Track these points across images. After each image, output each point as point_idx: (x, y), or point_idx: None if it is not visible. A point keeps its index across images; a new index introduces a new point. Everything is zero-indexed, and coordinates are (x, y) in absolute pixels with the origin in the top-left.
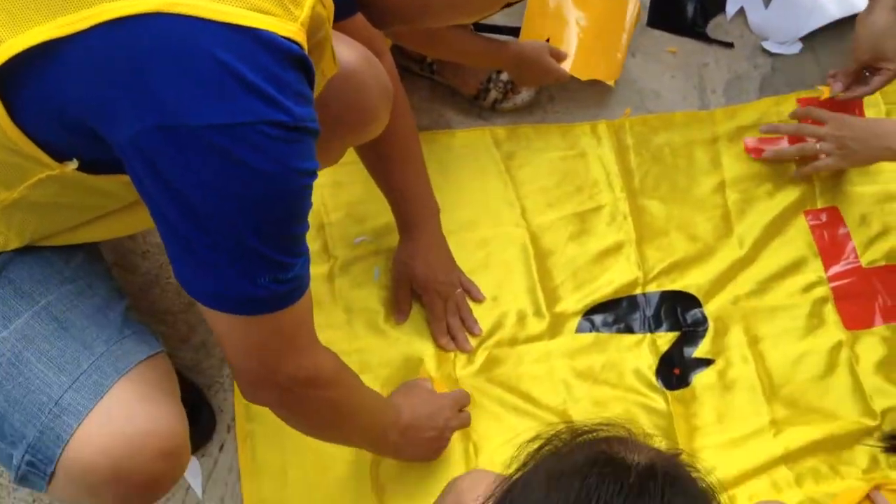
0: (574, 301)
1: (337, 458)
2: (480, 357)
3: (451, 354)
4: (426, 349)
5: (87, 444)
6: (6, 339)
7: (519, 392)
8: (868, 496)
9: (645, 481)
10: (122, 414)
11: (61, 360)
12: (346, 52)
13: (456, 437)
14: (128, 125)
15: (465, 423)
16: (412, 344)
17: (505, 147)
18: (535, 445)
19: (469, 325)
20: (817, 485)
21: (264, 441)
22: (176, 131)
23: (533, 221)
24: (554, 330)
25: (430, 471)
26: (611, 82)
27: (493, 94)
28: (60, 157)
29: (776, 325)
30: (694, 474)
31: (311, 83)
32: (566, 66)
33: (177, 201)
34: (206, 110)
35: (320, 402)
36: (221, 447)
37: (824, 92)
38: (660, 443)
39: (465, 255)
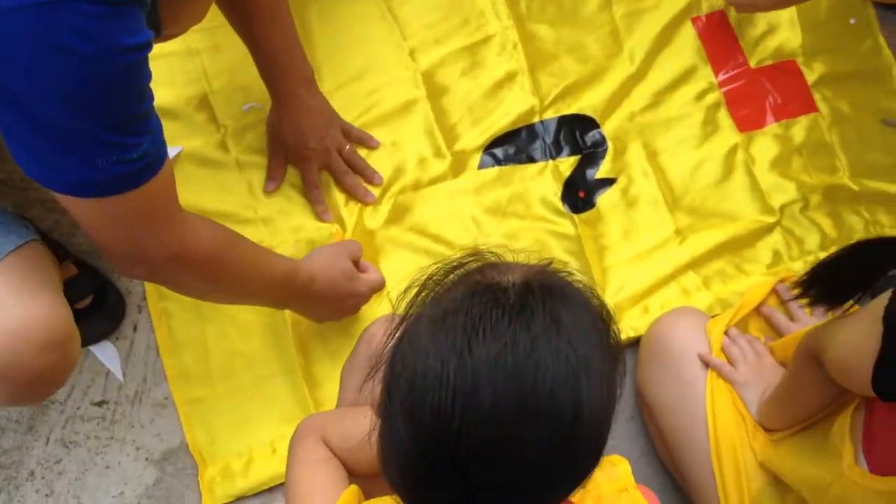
0: (473, 137)
1: (257, 323)
2: (386, 206)
3: (358, 209)
4: (333, 209)
5: None
6: None
7: (430, 235)
8: (773, 289)
9: (524, 298)
10: None
11: None
12: None
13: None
14: None
15: (381, 286)
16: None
17: None
18: (411, 295)
19: (368, 176)
20: (725, 285)
21: (180, 316)
22: None
23: (422, 61)
24: (457, 168)
25: (352, 322)
26: None
27: None
28: None
29: (672, 137)
30: (569, 278)
31: None
32: None
33: (8, 99)
34: None
35: (197, 276)
36: (135, 328)
37: None
38: (574, 266)
39: (357, 106)
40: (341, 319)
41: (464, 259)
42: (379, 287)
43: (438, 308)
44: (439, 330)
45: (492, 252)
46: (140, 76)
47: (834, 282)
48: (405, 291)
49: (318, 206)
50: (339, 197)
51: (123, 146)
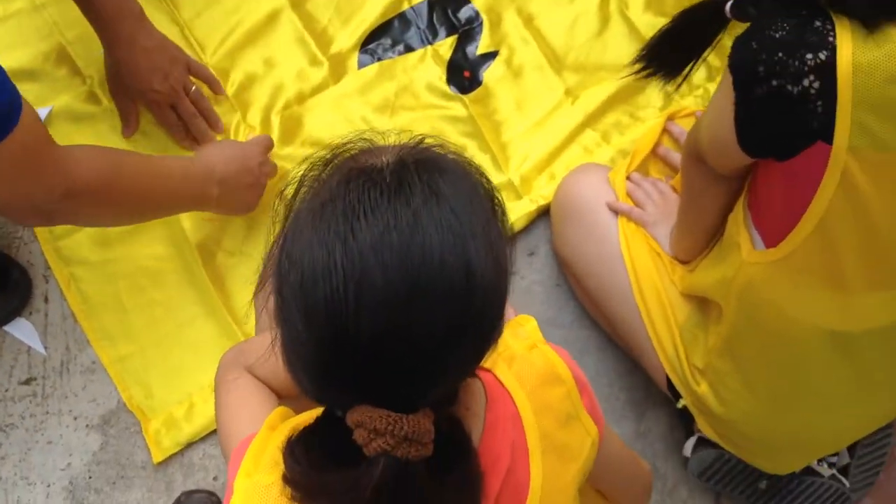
0: (346, 37)
1: (168, 269)
2: (276, 125)
3: (243, 135)
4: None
5: None
6: None
7: (323, 145)
8: (665, 129)
9: (400, 175)
10: None
11: None
12: None
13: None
14: None
15: (274, 171)
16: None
17: None
18: (290, 192)
19: (212, 122)
20: (623, 136)
21: (88, 277)
22: None
23: None
24: (337, 73)
25: (261, 247)
26: None
27: None
28: None
29: (543, 2)
30: (442, 150)
31: None
32: None
33: None
34: None
35: (95, 204)
36: (46, 298)
37: None
38: (473, 147)
39: (220, 29)
40: (254, 208)
41: (336, 150)
42: (274, 171)
43: (316, 200)
44: (320, 220)
45: (363, 139)
46: None
47: (670, 50)
48: (281, 192)
49: (184, 141)
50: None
51: None
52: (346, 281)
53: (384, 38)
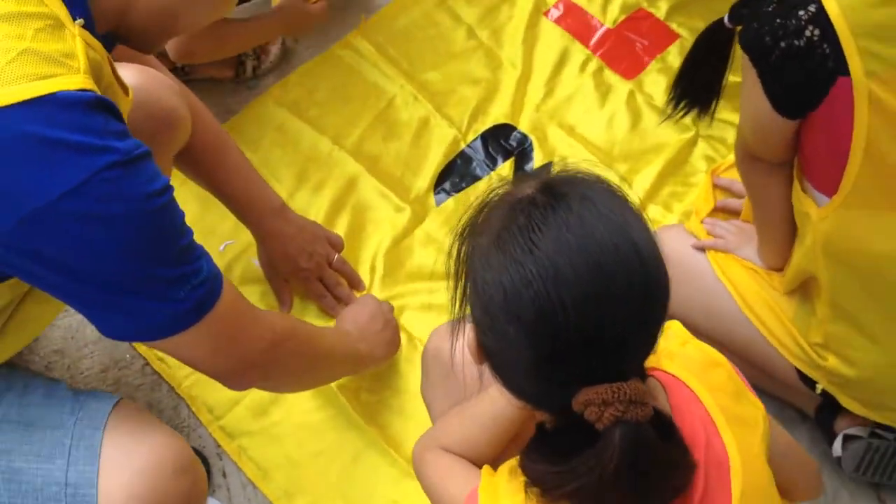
0: (421, 182)
1: (321, 420)
2: (379, 270)
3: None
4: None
5: (113, 499)
6: None
7: (426, 276)
8: (714, 185)
9: (551, 194)
10: (125, 458)
11: (46, 451)
12: (127, 74)
13: (403, 341)
14: None
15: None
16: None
17: (288, 100)
18: (454, 252)
19: (355, 283)
20: (682, 202)
21: (255, 445)
22: (33, 217)
23: (347, 143)
24: (420, 214)
25: (398, 379)
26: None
27: (250, 64)
28: None
29: (578, 109)
30: (572, 168)
31: (119, 117)
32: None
33: (69, 272)
34: (46, 186)
35: (292, 354)
36: (224, 474)
37: None
38: None
39: (314, 209)
40: (394, 354)
41: (484, 199)
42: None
43: (490, 235)
44: (502, 246)
45: (499, 185)
46: (175, 213)
47: (693, 82)
48: (449, 252)
49: (332, 310)
50: None
51: (192, 272)
52: (544, 283)
53: (452, 176)
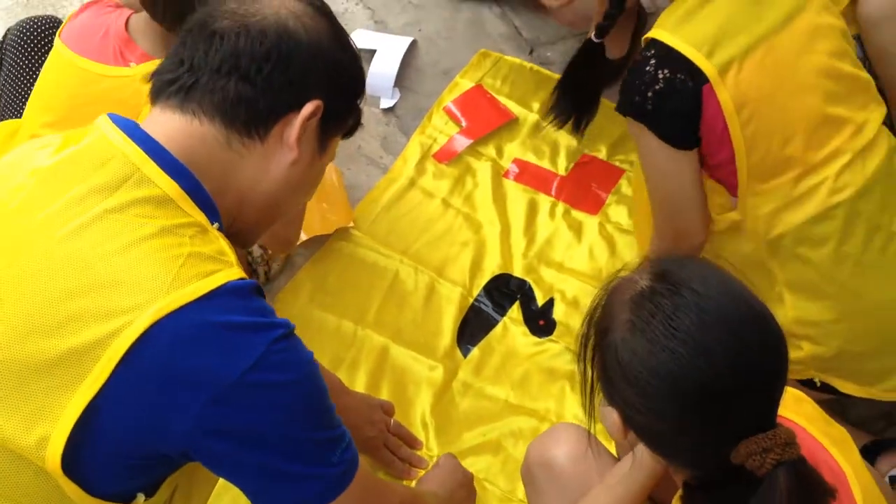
0: (444, 340)
1: None
2: (431, 429)
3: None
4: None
5: None
6: None
7: (472, 421)
8: None
9: (665, 279)
10: None
11: None
12: None
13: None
14: (183, 417)
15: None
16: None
17: (304, 295)
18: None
19: (412, 443)
20: None
21: None
22: (224, 395)
23: (368, 320)
24: (452, 368)
25: None
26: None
27: (261, 270)
28: (127, 499)
29: (560, 248)
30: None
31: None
32: None
33: (254, 445)
34: (232, 364)
35: None
36: None
37: None
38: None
39: (357, 385)
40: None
41: (598, 300)
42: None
43: (622, 329)
44: (642, 333)
45: (607, 288)
46: (322, 379)
47: (571, 96)
48: (578, 343)
49: (404, 474)
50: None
51: (341, 435)
52: (696, 361)
53: (470, 329)
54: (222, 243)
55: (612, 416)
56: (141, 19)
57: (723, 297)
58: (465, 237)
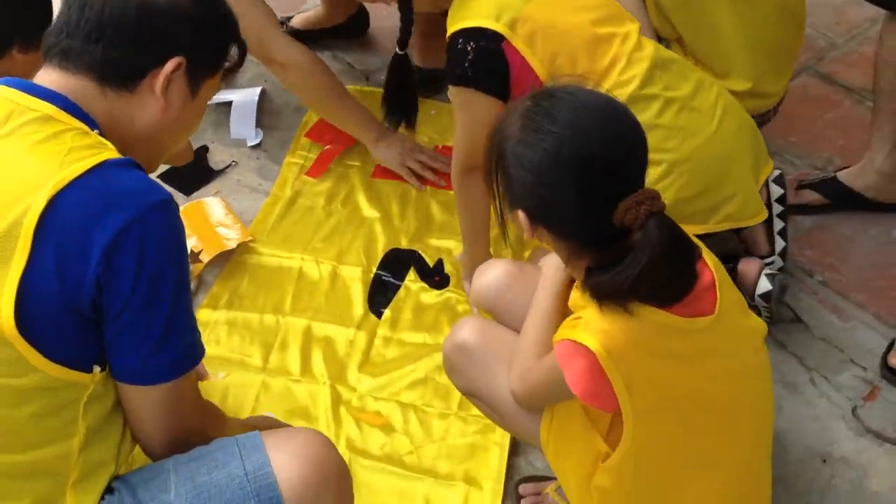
0: (356, 311)
1: None
2: (364, 378)
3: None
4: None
5: (286, 467)
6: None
7: (400, 364)
8: None
9: (540, 94)
10: (284, 442)
11: (221, 462)
12: None
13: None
14: (87, 266)
15: None
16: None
17: (222, 304)
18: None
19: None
20: None
21: None
22: (113, 246)
23: (285, 309)
24: (371, 329)
25: None
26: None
27: None
28: (84, 368)
29: (436, 222)
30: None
31: None
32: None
33: (134, 294)
34: (118, 219)
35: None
36: None
37: None
38: None
39: (290, 362)
40: None
41: (492, 133)
42: None
43: (513, 136)
44: (528, 132)
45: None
46: None
47: (395, 96)
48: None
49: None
50: None
51: (196, 328)
52: (575, 137)
53: (377, 296)
54: (101, 138)
55: (521, 219)
56: None
57: (591, 94)
58: (352, 231)
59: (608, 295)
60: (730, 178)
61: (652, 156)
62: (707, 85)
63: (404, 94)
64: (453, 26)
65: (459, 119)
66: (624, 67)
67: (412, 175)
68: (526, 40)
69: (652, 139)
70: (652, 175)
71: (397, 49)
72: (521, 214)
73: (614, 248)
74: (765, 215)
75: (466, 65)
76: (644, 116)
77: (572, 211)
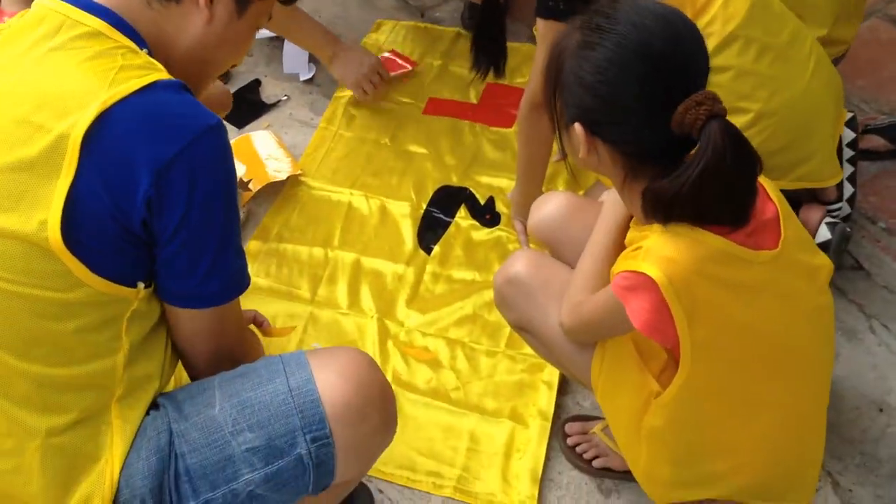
0: (406, 247)
1: None
2: (413, 313)
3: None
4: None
5: (330, 384)
6: (223, 408)
7: (448, 300)
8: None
9: (596, 11)
10: (327, 360)
11: (266, 377)
12: None
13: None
14: (137, 188)
15: None
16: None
17: (272, 235)
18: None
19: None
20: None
21: None
22: (165, 169)
23: (334, 243)
24: (420, 265)
25: None
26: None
27: None
28: (128, 283)
29: (486, 157)
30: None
31: None
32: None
33: (186, 216)
34: (170, 145)
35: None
36: None
37: None
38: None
39: (339, 295)
40: None
41: (550, 58)
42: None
43: (574, 49)
44: (591, 38)
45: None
46: None
47: (487, 43)
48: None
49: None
50: None
51: (244, 254)
52: (639, 35)
53: (427, 233)
54: (151, 59)
55: (578, 133)
56: None
57: (653, 5)
58: (401, 166)
59: (668, 205)
60: (812, 136)
61: (740, 103)
62: (802, 35)
63: (494, 40)
64: None
65: (541, 52)
66: (725, 1)
67: (364, 95)
68: None
69: (743, 86)
70: (737, 122)
71: None
72: (577, 127)
73: (673, 164)
74: (840, 177)
75: None
76: (741, 60)
77: (633, 112)
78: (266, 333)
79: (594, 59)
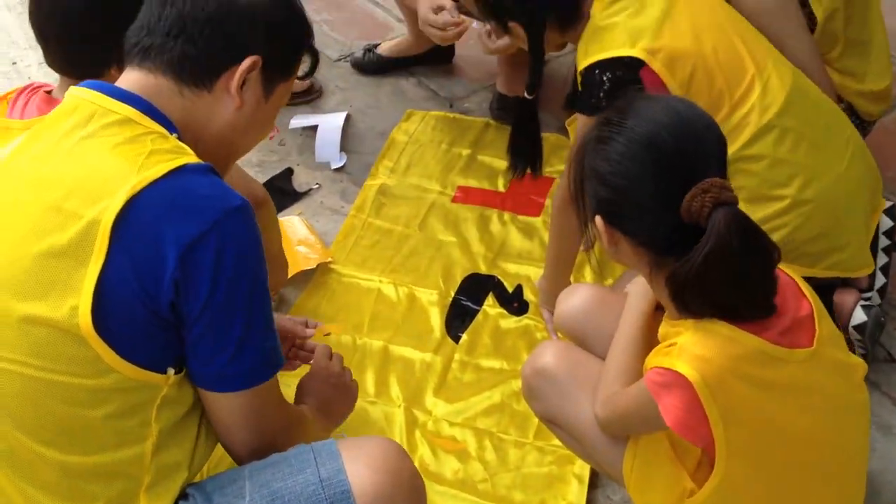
0: (436, 334)
1: None
2: (440, 402)
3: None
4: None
5: (360, 475)
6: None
7: (476, 389)
8: None
9: (615, 110)
10: (357, 451)
11: (297, 467)
12: None
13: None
14: (164, 270)
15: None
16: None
17: None
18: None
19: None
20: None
21: None
22: (190, 250)
23: (364, 331)
24: (448, 353)
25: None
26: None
27: None
28: (158, 369)
29: (514, 245)
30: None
31: None
32: None
33: (211, 295)
34: (196, 224)
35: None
36: None
37: None
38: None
39: (368, 383)
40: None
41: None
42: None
43: (592, 147)
44: (604, 135)
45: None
46: None
47: (524, 144)
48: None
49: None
50: None
51: (275, 330)
52: (651, 133)
53: (455, 321)
54: (180, 143)
55: (598, 226)
56: (60, 83)
57: (663, 95)
58: (430, 254)
59: (679, 292)
60: (846, 226)
61: (775, 191)
62: (839, 121)
63: (530, 140)
64: (589, 58)
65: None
66: (763, 91)
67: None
68: (666, 63)
69: (779, 175)
70: (771, 209)
71: (526, 94)
72: (598, 220)
73: (690, 239)
74: (871, 269)
75: (601, 94)
76: (776, 149)
77: (645, 202)
78: (322, 332)
79: (606, 153)
